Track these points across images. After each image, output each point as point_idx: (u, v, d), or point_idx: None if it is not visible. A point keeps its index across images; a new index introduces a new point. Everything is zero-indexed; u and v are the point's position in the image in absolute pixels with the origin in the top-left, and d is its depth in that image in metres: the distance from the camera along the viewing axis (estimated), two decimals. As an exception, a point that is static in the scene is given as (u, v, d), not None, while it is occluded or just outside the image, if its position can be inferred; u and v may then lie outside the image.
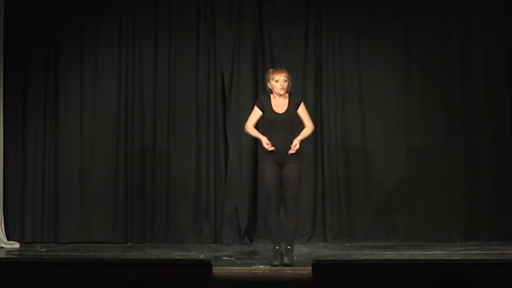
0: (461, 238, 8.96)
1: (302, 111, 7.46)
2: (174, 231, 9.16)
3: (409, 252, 8.28)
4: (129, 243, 9.09)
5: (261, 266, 7.30)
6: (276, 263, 7.29)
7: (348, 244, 8.95)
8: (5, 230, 9.03)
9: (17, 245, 8.93)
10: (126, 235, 9.17)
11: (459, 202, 9.07)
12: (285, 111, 7.39)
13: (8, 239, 9.00)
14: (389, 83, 9.25)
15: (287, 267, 7.16)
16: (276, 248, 7.38)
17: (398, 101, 9.22)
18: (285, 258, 7.27)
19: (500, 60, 9.14)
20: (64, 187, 9.26)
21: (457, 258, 7.73)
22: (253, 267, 7.28)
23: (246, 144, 9.13)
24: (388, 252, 8.30)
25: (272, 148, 7.26)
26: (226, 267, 7.14)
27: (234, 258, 7.96)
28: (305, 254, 8.12)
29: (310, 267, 5.98)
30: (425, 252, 8.20)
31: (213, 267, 6.06)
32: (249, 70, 9.24)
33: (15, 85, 9.26)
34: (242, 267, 7.26)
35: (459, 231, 9.01)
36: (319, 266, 5.94)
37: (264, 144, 7.28)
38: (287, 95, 7.46)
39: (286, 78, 7.42)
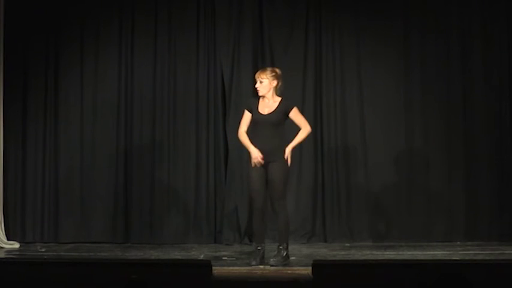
0: (461, 238, 8.96)
1: (295, 116, 7.48)
2: (174, 231, 9.16)
3: (409, 252, 8.28)
4: (129, 243, 9.10)
5: (261, 266, 7.30)
6: (253, 263, 7.34)
7: (348, 244, 8.96)
8: (5, 230, 9.04)
9: (17, 245, 8.93)
10: (126, 235, 9.18)
11: (459, 202, 9.08)
12: (270, 113, 7.42)
13: (8, 239, 9.01)
14: (389, 83, 9.25)
15: (287, 268, 7.17)
16: (258, 248, 7.44)
17: (398, 100, 9.22)
18: (274, 258, 7.33)
19: (500, 59, 9.15)
20: (64, 187, 9.26)
21: (457, 258, 7.74)
22: (253, 267, 7.27)
23: (246, 144, 9.13)
24: (388, 252, 8.31)
25: (260, 161, 7.32)
26: (226, 267, 7.15)
27: (234, 258, 7.96)
28: (305, 254, 8.13)
29: (310, 267, 5.97)
30: (425, 252, 8.20)
31: (213, 267, 6.05)
32: (249, 70, 9.23)
33: (16, 85, 9.27)
34: (242, 267, 7.27)
35: (459, 231, 9.01)
36: (319, 266, 5.93)
37: (253, 158, 7.37)
38: (278, 98, 7.47)
39: (261, 80, 7.45)
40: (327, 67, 9.29)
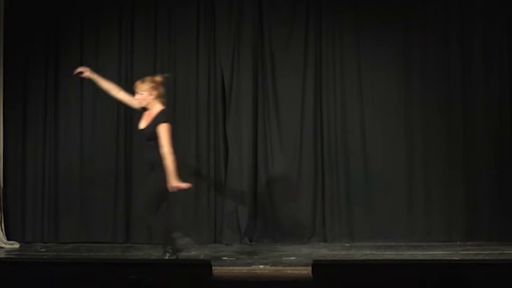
0: (461, 238, 8.96)
1: (160, 133, 7.11)
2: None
3: (409, 252, 8.28)
4: (129, 243, 9.09)
5: (261, 266, 7.29)
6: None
7: (348, 244, 8.96)
8: (5, 230, 9.04)
9: (17, 245, 8.93)
10: (126, 235, 9.17)
11: (459, 202, 9.07)
12: (144, 128, 7.26)
13: (8, 239, 9.01)
14: (389, 83, 9.25)
15: (287, 268, 7.17)
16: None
17: (398, 101, 9.22)
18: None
19: (500, 59, 9.15)
20: (64, 187, 9.26)
21: (457, 258, 7.74)
22: (253, 267, 7.27)
23: (245, 144, 9.14)
24: (388, 252, 8.30)
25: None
26: (226, 267, 7.13)
27: (234, 258, 7.96)
28: (305, 254, 8.12)
29: (310, 267, 5.97)
30: (425, 252, 8.20)
31: (213, 267, 6.05)
32: (249, 70, 9.24)
33: (16, 85, 9.27)
34: (242, 267, 7.26)
35: (459, 231, 9.01)
36: (319, 266, 5.93)
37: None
38: (159, 108, 7.23)
39: (140, 92, 7.25)
40: (327, 67, 9.29)
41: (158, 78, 7.36)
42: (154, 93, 7.28)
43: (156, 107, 7.27)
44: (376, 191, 9.11)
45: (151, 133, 7.16)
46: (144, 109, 7.34)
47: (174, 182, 7.05)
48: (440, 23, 9.21)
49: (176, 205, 9.21)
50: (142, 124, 7.29)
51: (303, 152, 9.18)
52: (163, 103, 7.31)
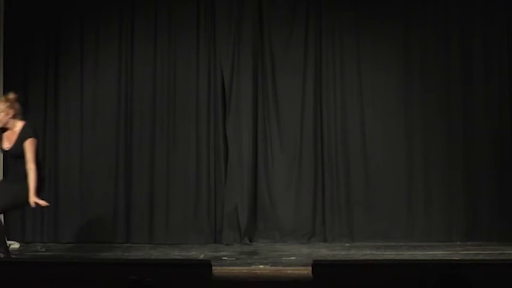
0: (461, 238, 8.96)
1: (26, 148, 7.07)
2: (174, 231, 9.16)
3: (409, 252, 8.28)
4: (129, 243, 9.09)
5: (261, 266, 7.30)
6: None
7: (348, 244, 8.96)
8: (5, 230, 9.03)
9: (17, 245, 8.93)
10: (126, 235, 9.18)
11: (459, 202, 9.07)
12: (10, 148, 7.16)
13: (8, 239, 8.99)
14: (389, 83, 9.25)
15: (287, 268, 7.17)
16: None
17: (398, 101, 9.22)
18: None
19: (500, 59, 9.15)
20: (64, 187, 9.26)
21: (457, 258, 7.74)
22: (253, 267, 7.28)
23: (245, 145, 9.14)
24: (388, 252, 8.31)
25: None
26: (226, 267, 7.14)
27: (234, 258, 7.96)
28: (305, 254, 8.13)
29: (310, 267, 5.97)
30: (425, 252, 8.20)
31: (213, 267, 6.05)
32: (249, 70, 9.24)
33: (16, 85, 9.25)
34: (242, 267, 7.26)
35: (459, 231, 9.01)
36: (319, 266, 5.92)
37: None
38: (20, 124, 7.15)
39: None
40: (327, 67, 9.29)
41: (12, 96, 7.23)
42: (11, 111, 7.16)
43: (18, 125, 7.18)
44: (376, 191, 9.11)
45: (18, 151, 7.10)
46: (4, 129, 7.21)
47: (34, 198, 7.03)
48: (440, 23, 9.21)
49: (176, 205, 9.23)
50: (7, 144, 7.19)
51: (303, 152, 9.18)
52: (22, 119, 7.21)
